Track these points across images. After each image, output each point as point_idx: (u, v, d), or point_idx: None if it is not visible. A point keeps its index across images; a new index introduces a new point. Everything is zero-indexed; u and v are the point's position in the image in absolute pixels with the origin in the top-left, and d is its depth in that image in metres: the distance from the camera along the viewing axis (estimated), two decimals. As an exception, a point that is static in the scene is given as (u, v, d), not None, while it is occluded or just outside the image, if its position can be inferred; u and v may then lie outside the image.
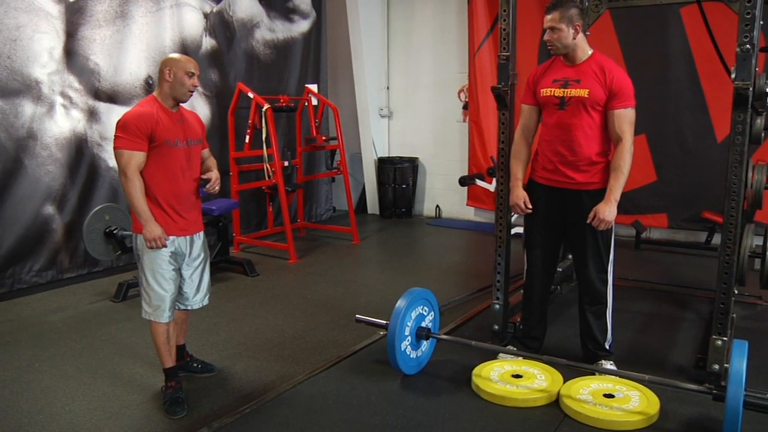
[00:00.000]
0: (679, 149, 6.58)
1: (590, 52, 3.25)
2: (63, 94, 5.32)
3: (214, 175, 3.26)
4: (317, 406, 3.06)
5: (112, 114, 5.59)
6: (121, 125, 2.96)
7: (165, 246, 3.06)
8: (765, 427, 2.80)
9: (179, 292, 3.24)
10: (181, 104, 3.15)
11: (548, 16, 3.17)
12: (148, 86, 5.86)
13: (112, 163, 5.59)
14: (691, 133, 6.51)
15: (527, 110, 3.45)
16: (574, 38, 3.17)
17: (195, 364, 3.54)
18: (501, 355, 3.53)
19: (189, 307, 3.34)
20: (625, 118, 3.15)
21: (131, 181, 2.96)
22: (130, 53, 5.75)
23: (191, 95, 3.14)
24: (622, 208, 6.98)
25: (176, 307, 3.24)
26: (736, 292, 3.96)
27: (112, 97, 5.66)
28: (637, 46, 6.58)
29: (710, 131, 6.36)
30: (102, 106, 5.60)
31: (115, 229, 4.56)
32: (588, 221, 3.18)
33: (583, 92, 3.16)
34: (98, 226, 4.55)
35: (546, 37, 3.21)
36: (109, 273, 5.58)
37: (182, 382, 3.28)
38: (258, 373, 3.57)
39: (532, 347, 3.63)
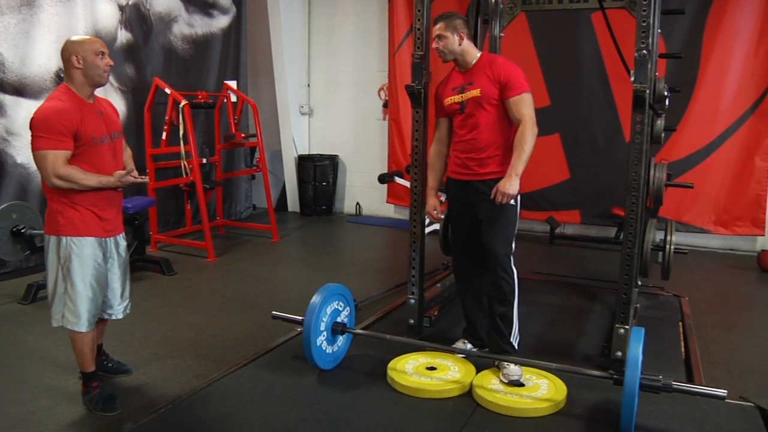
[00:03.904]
0: (590, 148, 6.85)
1: (479, 55, 3.40)
2: (-37, 86, 5.07)
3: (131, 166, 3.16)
4: (234, 403, 3.05)
5: (20, 108, 5.38)
6: (41, 124, 2.74)
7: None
8: (662, 406, 2.96)
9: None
10: (95, 92, 2.98)
11: (435, 27, 3.36)
12: (60, 79, 5.64)
13: (20, 159, 5.37)
14: (601, 132, 6.79)
15: (439, 123, 3.60)
16: (460, 44, 3.33)
17: (109, 364, 3.45)
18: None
19: (113, 316, 3.21)
20: (521, 102, 3.22)
21: (68, 177, 2.77)
22: (38, 44, 5.53)
23: (108, 76, 2.96)
24: (537, 205, 7.24)
25: (100, 316, 3.13)
26: (639, 283, 4.18)
27: (19, 89, 5.42)
28: (551, 48, 6.81)
29: (619, 131, 6.64)
30: (8, 99, 5.36)
31: (23, 228, 4.39)
32: (491, 197, 3.17)
33: (476, 92, 3.31)
34: (4, 225, 4.36)
35: (434, 45, 3.38)
36: (17, 274, 5.34)
37: (104, 380, 3.21)
38: (174, 372, 3.52)
39: (482, 341, 3.65)
